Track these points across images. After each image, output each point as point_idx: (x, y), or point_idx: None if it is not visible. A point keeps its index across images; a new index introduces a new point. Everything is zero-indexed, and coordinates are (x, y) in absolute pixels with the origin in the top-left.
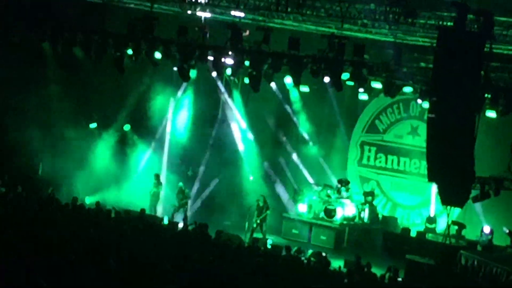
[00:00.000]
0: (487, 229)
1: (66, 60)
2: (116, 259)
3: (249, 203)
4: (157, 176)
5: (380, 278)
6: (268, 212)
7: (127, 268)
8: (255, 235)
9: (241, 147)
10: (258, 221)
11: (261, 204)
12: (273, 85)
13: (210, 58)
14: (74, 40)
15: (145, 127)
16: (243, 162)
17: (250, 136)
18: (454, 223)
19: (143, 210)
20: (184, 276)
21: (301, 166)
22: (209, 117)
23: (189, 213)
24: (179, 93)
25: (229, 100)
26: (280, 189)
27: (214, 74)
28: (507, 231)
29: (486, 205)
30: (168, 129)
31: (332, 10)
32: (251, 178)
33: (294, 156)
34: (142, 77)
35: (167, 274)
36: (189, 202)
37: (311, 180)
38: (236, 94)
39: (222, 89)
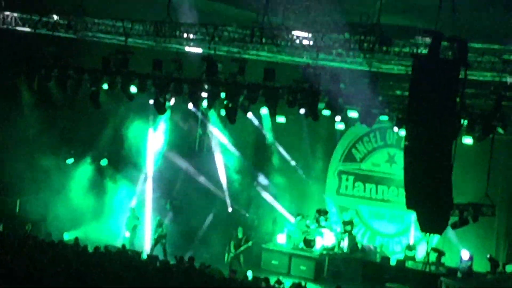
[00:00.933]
0: (465, 254)
1: (42, 96)
2: None
3: (229, 234)
4: (133, 210)
5: None
6: (249, 243)
7: None
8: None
9: (221, 177)
10: (236, 253)
11: (240, 236)
12: (250, 115)
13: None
14: (49, 75)
15: (122, 161)
16: (222, 193)
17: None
18: (433, 250)
19: (124, 246)
20: None
21: (279, 196)
22: (187, 148)
23: (167, 247)
24: (156, 125)
25: (211, 128)
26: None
27: (190, 105)
28: (488, 256)
29: (465, 232)
30: (150, 161)
31: (306, 40)
32: (230, 209)
33: (272, 186)
34: (118, 110)
35: None
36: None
37: (288, 211)
38: (217, 122)
39: (200, 116)
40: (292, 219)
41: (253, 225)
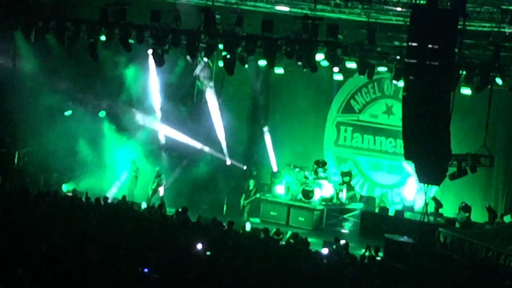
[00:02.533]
0: (464, 204)
1: (39, 48)
2: (96, 247)
3: (227, 186)
4: (134, 162)
5: (360, 258)
6: (257, 195)
7: (107, 255)
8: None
9: (219, 130)
10: (245, 203)
11: (250, 187)
12: (246, 67)
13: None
14: (47, 27)
15: (122, 112)
16: (219, 145)
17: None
18: (432, 200)
19: (124, 197)
20: (165, 260)
21: (278, 148)
22: (185, 99)
23: (164, 198)
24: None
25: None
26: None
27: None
28: (487, 206)
29: (464, 182)
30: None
31: None
32: (228, 162)
33: (271, 138)
34: (116, 60)
35: (148, 260)
36: (164, 186)
37: (288, 161)
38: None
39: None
40: (290, 170)
41: (252, 176)
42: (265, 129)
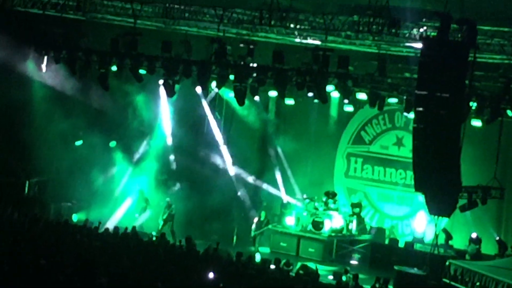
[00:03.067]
0: (474, 236)
1: (51, 77)
2: (107, 277)
3: (237, 216)
4: (142, 192)
5: None
6: (269, 226)
7: (118, 286)
8: (250, 248)
9: (227, 161)
10: (256, 234)
11: (262, 218)
12: (257, 98)
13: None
14: (58, 57)
15: (132, 142)
16: (228, 176)
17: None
18: (442, 231)
19: (133, 228)
20: None
21: (288, 179)
22: (195, 130)
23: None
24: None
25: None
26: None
27: (198, 89)
28: (497, 237)
29: (474, 215)
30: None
31: (315, 23)
32: (239, 193)
33: (281, 169)
34: (127, 91)
35: None
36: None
37: (298, 193)
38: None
39: (206, 105)
40: (300, 201)
41: (262, 207)
42: (275, 161)
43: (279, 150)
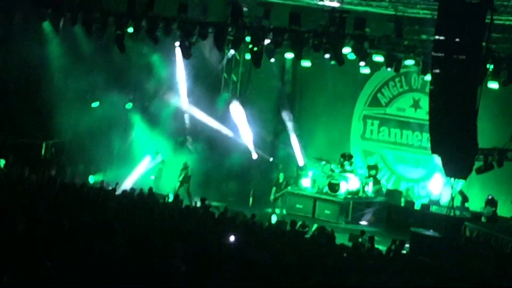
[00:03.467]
0: (490, 198)
1: (67, 39)
2: (124, 238)
3: (253, 178)
4: (158, 154)
5: (386, 252)
6: (288, 188)
7: (134, 246)
8: (266, 209)
9: (245, 123)
10: (276, 196)
11: (280, 180)
12: (273, 60)
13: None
14: (75, 19)
15: (148, 105)
16: (246, 138)
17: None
18: (459, 193)
19: (150, 189)
20: (190, 251)
21: (304, 141)
22: (210, 92)
23: (191, 189)
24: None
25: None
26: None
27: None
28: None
29: (490, 176)
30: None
31: None
32: (254, 155)
33: (297, 131)
34: (142, 51)
35: (174, 251)
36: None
37: (314, 154)
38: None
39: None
40: (317, 163)
41: (278, 169)
42: (291, 123)
43: (296, 112)
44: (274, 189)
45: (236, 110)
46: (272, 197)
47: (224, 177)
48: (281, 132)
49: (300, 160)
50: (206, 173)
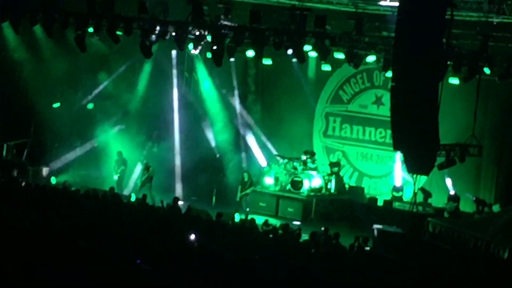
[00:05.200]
0: (453, 193)
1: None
2: (87, 240)
3: (214, 178)
4: (120, 154)
5: (349, 248)
6: (252, 188)
7: (97, 247)
8: (229, 209)
9: (207, 122)
10: (241, 195)
11: (245, 179)
12: (233, 59)
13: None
14: (35, 19)
15: (110, 103)
16: (206, 139)
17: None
18: (420, 190)
19: (112, 189)
20: (157, 252)
21: (266, 139)
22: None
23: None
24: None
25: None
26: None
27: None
28: (474, 198)
29: (452, 172)
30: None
31: None
32: (217, 155)
33: (260, 129)
34: (104, 52)
35: (137, 251)
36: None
37: (274, 152)
38: (200, 66)
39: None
40: (279, 161)
41: (240, 168)
42: (253, 120)
43: (257, 111)
44: (239, 188)
45: None
46: (238, 196)
47: (186, 177)
48: (242, 132)
49: (262, 160)
50: (168, 174)
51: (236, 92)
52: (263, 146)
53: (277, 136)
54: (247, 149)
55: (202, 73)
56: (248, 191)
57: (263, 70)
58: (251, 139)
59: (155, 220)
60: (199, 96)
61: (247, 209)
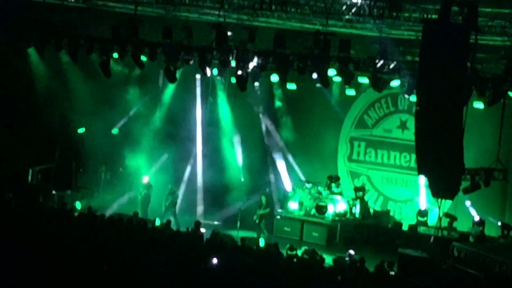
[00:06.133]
0: (478, 218)
1: (52, 65)
2: (110, 263)
3: (237, 202)
4: (146, 178)
5: (374, 272)
6: (267, 210)
7: (121, 272)
8: (248, 234)
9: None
10: (256, 218)
11: (263, 202)
12: (257, 84)
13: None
14: (60, 45)
15: (134, 129)
16: (232, 162)
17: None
18: (445, 215)
19: (136, 213)
20: (178, 277)
21: (291, 164)
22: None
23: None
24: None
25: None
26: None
27: (198, 76)
28: (499, 222)
29: (477, 197)
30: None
31: (316, 7)
32: (242, 179)
33: (285, 154)
34: (128, 78)
35: (161, 276)
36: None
37: (301, 177)
38: (222, 95)
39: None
40: (304, 186)
41: (266, 192)
42: (278, 146)
43: (283, 136)
44: (258, 212)
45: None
46: (255, 218)
47: (211, 201)
48: (268, 156)
49: (287, 184)
50: (193, 198)
51: (264, 114)
52: (290, 170)
53: (302, 161)
54: (274, 172)
55: (225, 97)
56: (261, 211)
57: (287, 94)
58: (278, 162)
59: (179, 245)
60: (224, 118)
61: (265, 233)
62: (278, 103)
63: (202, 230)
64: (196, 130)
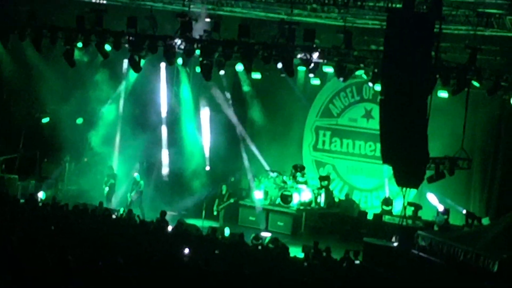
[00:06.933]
0: (442, 207)
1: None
2: (75, 253)
3: (203, 191)
4: (111, 167)
5: (339, 262)
6: (231, 200)
7: (85, 262)
8: (213, 223)
9: (194, 137)
10: (219, 209)
11: (223, 192)
12: (222, 72)
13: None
14: (24, 35)
15: (99, 118)
16: (197, 151)
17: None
18: (410, 204)
19: (101, 203)
20: (142, 268)
21: (256, 153)
22: (157, 109)
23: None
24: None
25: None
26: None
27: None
28: (464, 211)
29: (441, 185)
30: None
31: None
32: (207, 168)
33: (249, 143)
34: (91, 67)
35: (125, 266)
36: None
37: (266, 167)
38: (186, 83)
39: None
40: (269, 175)
41: (230, 182)
42: (243, 134)
43: (248, 124)
44: (217, 201)
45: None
46: (215, 209)
47: (176, 190)
48: (234, 145)
49: (251, 174)
50: (158, 188)
51: (230, 103)
52: (254, 160)
53: (267, 150)
54: (239, 161)
55: (189, 86)
56: (225, 204)
57: (253, 83)
58: (244, 151)
59: (143, 234)
60: (188, 108)
61: (222, 222)
62: (246, 88)
63: (167, 219)
64: (161, 118)
